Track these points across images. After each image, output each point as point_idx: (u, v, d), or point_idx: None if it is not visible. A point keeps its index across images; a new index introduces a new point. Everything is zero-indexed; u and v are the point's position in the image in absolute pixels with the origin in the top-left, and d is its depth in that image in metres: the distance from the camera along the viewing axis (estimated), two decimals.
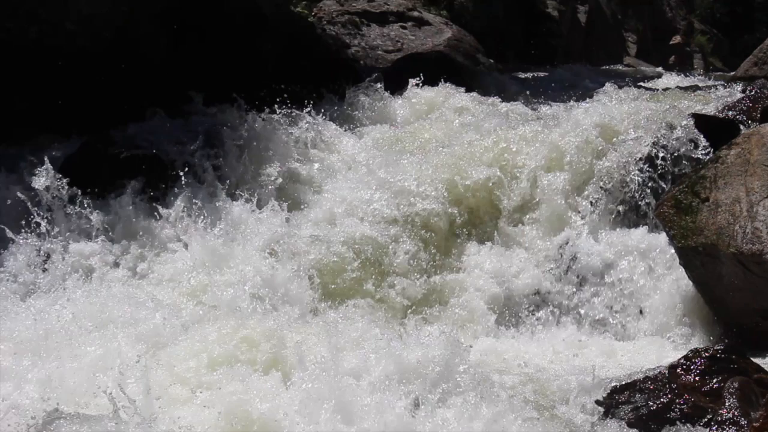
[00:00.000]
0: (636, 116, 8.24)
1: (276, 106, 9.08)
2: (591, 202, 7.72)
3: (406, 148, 8.83)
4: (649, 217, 7.46)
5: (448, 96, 10.15)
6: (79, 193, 7.47)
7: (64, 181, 7.44)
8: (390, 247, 7.42)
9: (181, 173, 7.76)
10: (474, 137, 8.50)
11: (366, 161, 8.62)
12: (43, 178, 7.40)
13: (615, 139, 8.00)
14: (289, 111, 9.22)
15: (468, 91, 10.49)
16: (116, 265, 7.31)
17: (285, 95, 9.23)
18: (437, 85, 10.40)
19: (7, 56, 8.58)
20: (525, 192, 7.92)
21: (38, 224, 7.20)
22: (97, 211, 7.49)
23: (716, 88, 10.43)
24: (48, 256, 7.15)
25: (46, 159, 7.52)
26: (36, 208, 7.27)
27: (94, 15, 9.02)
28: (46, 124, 8.85)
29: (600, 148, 7.96)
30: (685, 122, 7.94)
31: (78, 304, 6.08)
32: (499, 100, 10.27)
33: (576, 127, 8.15)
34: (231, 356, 5.27)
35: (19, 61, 8.63)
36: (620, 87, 9.60)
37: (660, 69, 19.18)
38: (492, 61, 13.83)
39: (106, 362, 5.17)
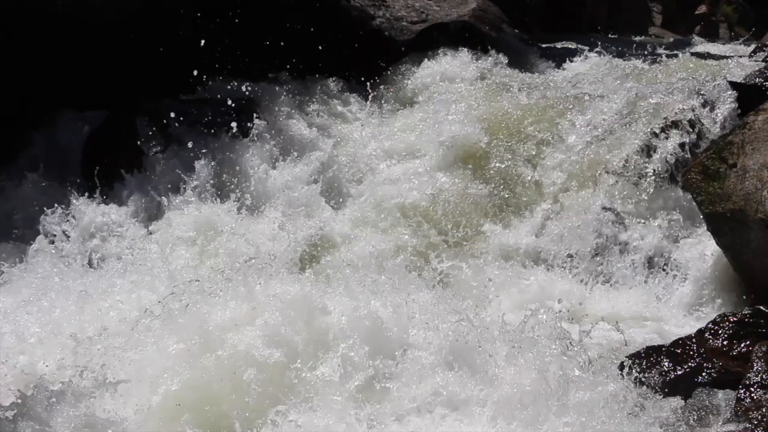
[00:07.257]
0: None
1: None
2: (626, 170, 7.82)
3: None
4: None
5: None
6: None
7: None
8: None
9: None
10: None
11: None
12: None
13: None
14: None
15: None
16: None
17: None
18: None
19: (36, 28, 8.65)
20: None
21: None
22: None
23: (744, 56, 10.42)
24: None
25: None
26: None
27: None
28: (72, 98, 8.93)
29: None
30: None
31: None
32: None
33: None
34: None
35: (48, 33, 8.68)
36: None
37: (688, 38, 19.01)
38: (517, 31, 13.74)
39: None
